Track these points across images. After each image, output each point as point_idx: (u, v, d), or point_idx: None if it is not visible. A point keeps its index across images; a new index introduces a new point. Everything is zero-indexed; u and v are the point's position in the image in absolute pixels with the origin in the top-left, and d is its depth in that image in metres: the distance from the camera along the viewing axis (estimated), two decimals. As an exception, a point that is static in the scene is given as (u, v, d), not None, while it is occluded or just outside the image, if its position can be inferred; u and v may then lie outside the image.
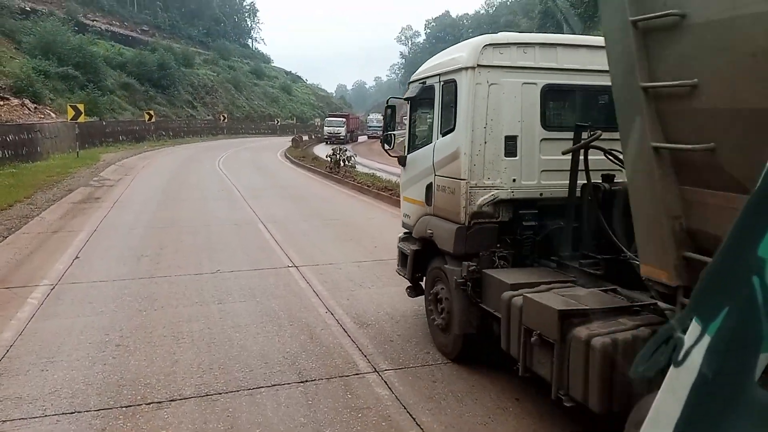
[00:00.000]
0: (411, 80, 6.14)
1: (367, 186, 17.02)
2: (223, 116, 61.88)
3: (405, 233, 6.35)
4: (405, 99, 6.16)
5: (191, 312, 6.54)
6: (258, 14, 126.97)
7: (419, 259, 5.87)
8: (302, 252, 9.46)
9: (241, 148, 39.19)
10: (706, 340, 1.12)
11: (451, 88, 5.18)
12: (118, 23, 72.01)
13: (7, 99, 30.90)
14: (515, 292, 4.22)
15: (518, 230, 5.07)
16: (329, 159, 22.20)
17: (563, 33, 59.30)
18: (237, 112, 72.62)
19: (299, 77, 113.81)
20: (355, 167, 21.56)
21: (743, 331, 1.11)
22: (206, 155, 33.57)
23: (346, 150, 22.11)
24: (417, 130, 6.18)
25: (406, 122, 6.20)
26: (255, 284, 7.65)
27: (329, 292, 7.28)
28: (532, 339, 3.87)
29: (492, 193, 5.00)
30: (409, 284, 6.15)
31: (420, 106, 6.02)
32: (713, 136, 2.61)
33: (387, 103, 6.57)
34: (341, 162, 21.73)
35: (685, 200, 2.86)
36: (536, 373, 3.93)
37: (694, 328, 1.14)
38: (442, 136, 5.34)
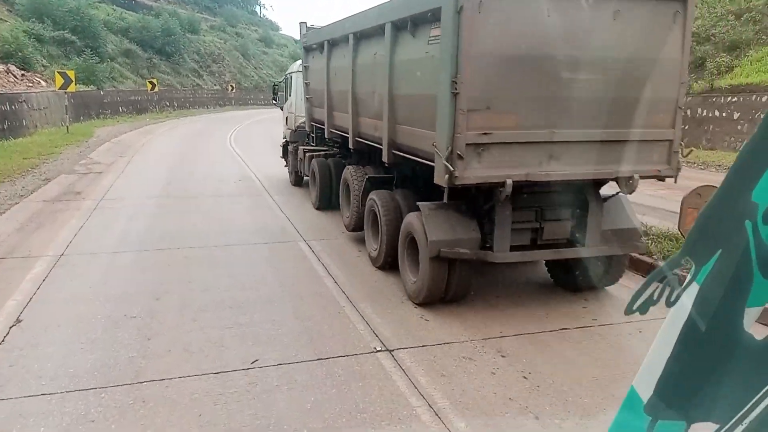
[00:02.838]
0: None
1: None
2: (231, 86, 58.05)
3: None
4: None
5: None
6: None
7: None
8: (389, 313, 5.89)
9: (252, 121, 35.43)
10: (698, 282, 1.12)
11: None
12: (120, -14, 68.00)
13: (-12, 64, 27.25)
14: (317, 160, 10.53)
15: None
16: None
17: None
18: (245, 81, 68.66)
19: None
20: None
21: (734, 274, 1.10)
22: (215, 129, 29.86)
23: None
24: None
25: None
26: (327, 394, 4.13)
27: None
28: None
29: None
30: None
31: None
32: None
33: None
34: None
35: None
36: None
37: (687, 267, 1.14)
38: None
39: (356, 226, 8.02)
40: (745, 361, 1.14)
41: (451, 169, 5.06)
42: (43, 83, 29.93)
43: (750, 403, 1.11)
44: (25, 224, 9.03)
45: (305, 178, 11.67)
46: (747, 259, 1.08)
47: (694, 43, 27.08)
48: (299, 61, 11.89)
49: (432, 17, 5.38)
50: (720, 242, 1.11)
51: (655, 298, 1.15)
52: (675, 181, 5.81)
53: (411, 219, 6.08)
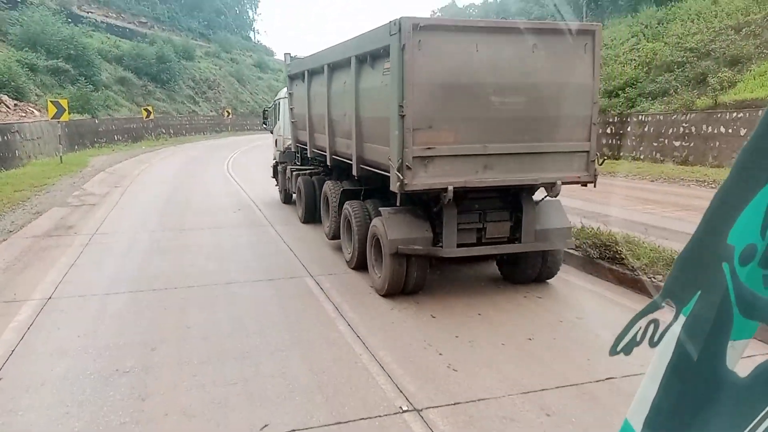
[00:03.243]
0: None
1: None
2: (228, 111, 57.80)
3: None
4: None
5: None
6: (259, 5, 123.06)
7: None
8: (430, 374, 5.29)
9: (250, 147, 35.00)
10: (680, 322, 1.15)
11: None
12: (114, 15, 68.10)
13: (-20, 96, 26.83)
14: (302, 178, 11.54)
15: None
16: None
17: (579, 20, 55.90)
18: (241, 107, 68.59)
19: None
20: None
21: (715, 315, 1.12)
22: (212, 156, 29.42)
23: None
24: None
25: None
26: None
27: None
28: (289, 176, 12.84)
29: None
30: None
31: None
32: None
33: None
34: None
35: None
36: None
37: (668, 310, 1.18)
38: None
39: (335, 235, 9.04)
40: (728, 399, 1.15)
41: (402, 178, 6.10)
42: (36, 113, 29.53)
43: None
44: (12, 263, 8.45)
45: (293, 195, 12.73)
46: (726, 300, 1.11)
47: (695, 59, 26.85)
48: (285, 88, 13.06)
49: (384, 53, 6.42)
50: (699, 284, 1.14)
51: (638, 339, 1.17)
52: (594, 186, 6.88)
53: (375, 222, 7.17)
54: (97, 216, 12.25)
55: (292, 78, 11.88)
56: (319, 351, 5.33)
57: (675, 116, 24.64)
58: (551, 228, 7.06)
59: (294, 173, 12.16)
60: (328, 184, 9.60)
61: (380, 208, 7.10)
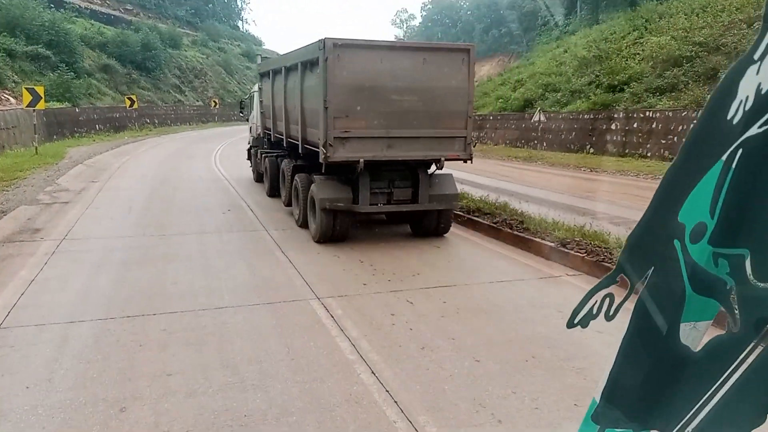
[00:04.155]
0: None
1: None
2: (215, 101, 56.11)
3: None
4: None
5: None
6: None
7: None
8: None
9: (238, 138, 33.46)
10: (634, 297, 1.19)
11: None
12: (99, 1, 66.10)
13: (-48, 81, 25.21)
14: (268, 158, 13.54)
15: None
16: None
17: (574, 16, 54.96)
18: (228, 97, 66.81)
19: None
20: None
21: (667, 291, 1.15)
22: (198, 148, 27.99)
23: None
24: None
25: None
26: None
27: None
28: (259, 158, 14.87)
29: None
30: None
31: None
32: None
33: None
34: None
35: None
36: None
37: (623, 284, 1.22)
38: None
39: (288, 202, 11.19)
40: (682, 372, 1.16)
41: (326, 152, 8.33)
42: (12, 100, 27.95)
43: (690, 413, 1.13)
44: (-41, 279, 7.11)
45: (263, 174, 14.51)
46: (678, 276, 1.12)
47: (705, 53, 25.75)
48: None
49: (316, 62, 8.58)
50: (652, 260, 1.16)
51: (594, 312, 1.20)
52: (472, 162, 9.23)
53: (312, 187, 9.28)
54: (68, 217, 10.88)
55: (262, 75, 14.25)
56: (340, 418, 4.08)
57: (685, 113, 23.56)
58: (442, 193, 9.32)
59: (263, 155, 14.33)
60: (284, 162, 11.80)
61: (314, 175, 9.35)
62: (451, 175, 9.57)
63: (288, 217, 11.17)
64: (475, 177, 18.53)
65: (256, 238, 9.58)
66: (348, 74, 8.32)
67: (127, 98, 37.96)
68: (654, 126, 25.05)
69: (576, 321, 1.22)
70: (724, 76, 1.17)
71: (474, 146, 9.31)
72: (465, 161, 9.13)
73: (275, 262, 8.02)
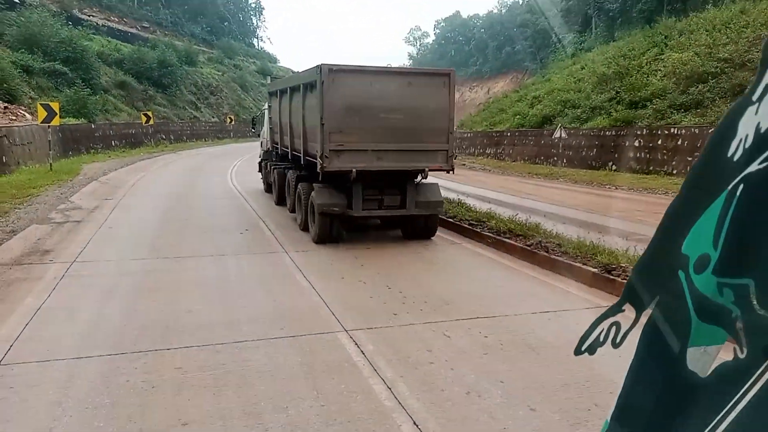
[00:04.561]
0: None
1: (455, 219, 11.28)
2: (230, 118, 56.07)
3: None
4: None
5: None
6: (263, 12, 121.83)
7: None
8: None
9: (255, 154, 33.06)
10: (640, 325, 1.21)
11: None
12: (116, 19, 66.73)
13: (-33, 97, 25.12)
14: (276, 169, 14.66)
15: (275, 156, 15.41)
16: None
17: (588, 33, 54.56)
18: (244, 113, 66.83)
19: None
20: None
21: (673, 319, 1.16)
22: (214, 164, 27.66)
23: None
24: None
25: None
26: None
27: None
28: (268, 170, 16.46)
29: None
30: None
31: None
32: None
33: None
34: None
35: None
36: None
37: (629, 312, 1.23)
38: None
39: (292, 208, 12.37)
40: (691, 398, 1.16)
41: (322, 163, 9.46)
42: (28, 116, 27.79)
43: None
44: (-39, 307, 6.64)
45: (272, 184, 15.63)
46: (683, 305, 1.13)
47: (730, 70, 25.11)
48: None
49: (315, 84, 9.68)
50: (657, 289, 1.18)
51: (601, 339, 1.21)
52: (453, 173, 10.43)
53: (312, 194, 10.24)
54: (80, 237, 10.44)
55: (271, 94, 15.69)
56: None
57: (712, 129, 22.87)
58: (427, 200, 10.34)
59: (272, 167, 15.57)
60: (289, 172, 12.94)
61: (313, 184, 10.37)
62: (437, 184, 10.79)
63: (308, 237, 10.66)
64: (498, 195, 17.97)
65: (275, 260, 9.06)
66: (342, 95, 9.50)
67: (143, 114, 37.90)
68: (679, 143, 24.37)
69: (583, 348, 1.23)
70: (724, 115, 1.20)
71: (455, 158, 10.44)
72: (447, 171, 10.30)
73: (297, 288, 7.48)
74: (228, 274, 8.21)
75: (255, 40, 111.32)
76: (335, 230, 10.25)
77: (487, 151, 41.05)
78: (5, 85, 27.64)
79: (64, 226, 11.53)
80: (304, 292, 7.34)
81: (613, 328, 1.25)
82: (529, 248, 9.09)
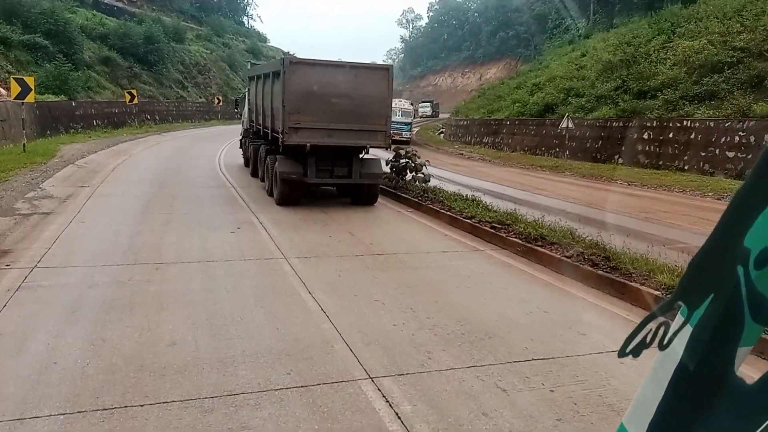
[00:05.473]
0: None
1: (474, 220, 10.02)
2: (218, 99, 54.30)
3: None
4: None
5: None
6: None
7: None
8: None
9: (244, 139, 31.67)
10: (690, 326, 1.12)
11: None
12: (101, -8, 64.15)
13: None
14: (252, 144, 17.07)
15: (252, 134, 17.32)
16: (387, 166, 14.99)
17: (586, 20, 53.36)
18: (232, 94, 64.81)
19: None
20: (428, 181, 14.23)
21: (726, 319, 1.10)
22: (201, 148, 26.14)
23: (415, 153, 14.77)
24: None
25: None
26: None
27: None
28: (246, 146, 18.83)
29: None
30: None
31: None
32: None
33: None
34: (406, 172, 14.58)
35: None
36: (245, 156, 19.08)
37: (679, 312, 1.16)
38: None
39: (262, 178, 14.64)
40: (735, 406, 1.11)
41: (282, 138, 11.85)
42: (2, 91, 26.05)
43: None
44: None
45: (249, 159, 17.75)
46: (739, 303, 1.08)
47: (748, 59, 23.96)
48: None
49: (279, 73, 12.00)
50: (712, 287, 1.11)
51: (647, 341, 1.13)
52: (390, 149, 13.71)
53: (275, 164, 12.52)
54: (46, 234, 9.03)
55: (249, 78, 17.82)
56: None
57: (729, 123, 21.72)
58: (370, 172, 12.51)
59: (249, 143, 17.82)
60: (261, 147, 15.01)
61: (277, 156, 12.53)
62: (379, 159, 13.20)
63: (313, 240, 9.34)
64: (507, 189, 16.71)
65: (274, 269, 7.72)
66: (300, 83, 11.68)
67: (127, 92, 36.16)
68: (692, 137, 23.21)
69: (627, 350, 1.12)
70: None
71: (391, 138, 13.04)
72: (386, 149, 13.20)
73: (303, 310, 6.16)
74: (218, 287, 6.86)
75: (245, 18, 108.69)
76: (293, 194, 12.30)
77: (485, 140, 39.74)
78: (-21, 57, 25.84)
79: (29, 219, 10.10)
80: (311, 315, 6.02)
81: (662, 329, 1.10)
82: (568, 259, 7.82)
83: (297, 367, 4.77)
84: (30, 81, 19.34)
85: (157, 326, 5.55)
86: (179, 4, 79.41)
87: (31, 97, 19.43)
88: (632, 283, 6.75)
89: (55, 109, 29.09)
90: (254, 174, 16.38)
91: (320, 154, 11.99)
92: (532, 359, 5.08)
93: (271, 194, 13.08)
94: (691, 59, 26.38)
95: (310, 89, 11.63)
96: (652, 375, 1.18)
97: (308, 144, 11.63)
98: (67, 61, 33.86)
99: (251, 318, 5.85)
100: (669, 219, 12.66)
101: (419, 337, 5.48)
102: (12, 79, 19.58)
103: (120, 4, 62.96)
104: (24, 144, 19.82)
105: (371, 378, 4.62)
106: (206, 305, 6.19)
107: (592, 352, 5.32)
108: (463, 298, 6.75)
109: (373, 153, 13.22)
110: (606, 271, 7.19)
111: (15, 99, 19.21)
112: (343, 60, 13.33)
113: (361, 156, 12.57)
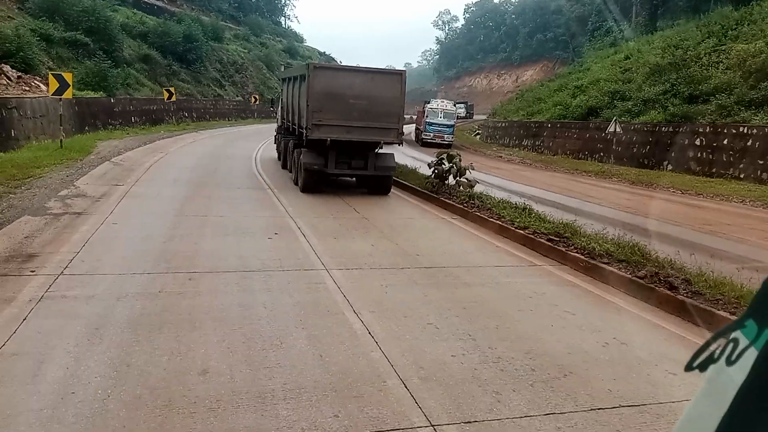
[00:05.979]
0: None
1: (527, 231, 9.23)
2: (255, 97, 54.22)
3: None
4: None
5: None
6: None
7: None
8: None
9: (279, 139, 31.30)
10: (760, 344, 1.00)
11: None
12: (142, -9, 64.80)
13: (-24, 64, 23.40)
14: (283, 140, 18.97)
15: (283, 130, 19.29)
16: (430, 170, 14.37)
17: (627, 23, 51.81)
18: (268, 93, 64.87)
19: (333, 59, 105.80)
20: (473, 186, 13.47)
21: None
22: (237, 147, 25.79)
23: (458, 158, 14.04)
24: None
25: None
26: None
27: None
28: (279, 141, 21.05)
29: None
30: None
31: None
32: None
33: None
34: (449, 177, 13.88)
35: None
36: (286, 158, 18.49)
37: (750, 330, 1.03)
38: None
39: (290, 169, 16.46)
40: None
41: (306, 133, 13.47)
42: (43, 87, 26.05)
43: None
44: None
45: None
46: None
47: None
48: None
49: (305, 76, 13.70)
50: None
51: (716, 356, 1.05)
52: (401, 145, 15.08)
53: (300, 156, 14.21)
54: (76, 237, 8.57)
55: (282, 80, 20.20)
56: None
57: None
58: (384, 165, 14.13)
59: (281, 138, 19.69)
60: (290, 142, 16.54)
61: (302, 149, 14.23)
62: (392, 154, 14.47)
63: (355, 249, 8.70)
64: (554, 196, 15.85)
65: (314, 282, 7.09)
66: (323, 85, 13.33)
67: (166, 90, 36.16)
68: (749, 143, 21.93)
69: (695, 365, 1.04)
70: None
71: (403, 135, 14.78)
72: (398, 145, 14.44)
73: (349, 334, 5.50)
74: (255, 302, 6.25)
75: (282, 18, 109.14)
76: (315, 182, 13.87)
77: (524, 143, 38.70)
78: (21, 53, 25.89)
79: (60, 219, 9.68)
80: (358, 340, 5.35)
81: (731, 345, 1.01)
82: (641, 280, 7.01)
83: (346, 408, 4.10)
84: (68, 77, 19.16)
85: (188, 350, 4.95)
86: (218, 4, 79.99)
87: (68, 93, 19.26)
88: (718, 311, 5.92)
89: (94, 105, 29.10)
90: (284, 166, 18.18)
91: (339, 148, 13.53)
92: (620, 406, 4.33)
93: (296, 183, 14.87)
94: (746, 63, 25.06)
95: (331, 91, 13.26)
96: (707, 391, 1.07)
97: (329, 139, 13.16)
98: (107, 59, 34.00)
99: (292, 342, 5.21)
100: (736, 233, 11.69)
101: (484, 373, 4.76)
102: (51, 75, 19.45)
103: (160, 3, 63.51)
104: (61, 140, 19.66)
105: (433, 426, 3.93)
106: (243, 324, 5.58)
107: (687, 397, 4.54)
108: (528, 325, 6.00)
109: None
110: (687, 296, 6.37)
111: (53, 95, 19.05)
112: (360, 65, 14.94)
113: (376, 151, 14.00)
